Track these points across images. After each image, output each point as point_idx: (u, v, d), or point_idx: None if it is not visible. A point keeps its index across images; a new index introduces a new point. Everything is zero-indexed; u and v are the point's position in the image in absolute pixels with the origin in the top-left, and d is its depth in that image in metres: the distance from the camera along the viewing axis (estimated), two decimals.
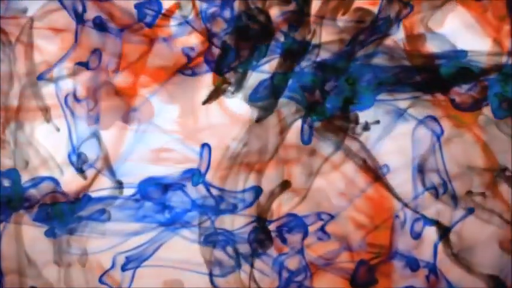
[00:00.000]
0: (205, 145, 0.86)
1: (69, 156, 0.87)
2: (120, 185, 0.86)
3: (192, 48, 0.86)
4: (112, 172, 0.87)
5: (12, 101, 0.87)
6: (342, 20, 0.85)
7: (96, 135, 0.87)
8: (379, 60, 0.85)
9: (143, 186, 0.87)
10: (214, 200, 0.86)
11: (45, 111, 0.87)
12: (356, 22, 0.84)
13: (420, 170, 0.85)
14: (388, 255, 0.86)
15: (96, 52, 0.86)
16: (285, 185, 0.86)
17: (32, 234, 0.88)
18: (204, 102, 0.86)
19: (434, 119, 0.85)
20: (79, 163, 0.87)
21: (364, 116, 0.85)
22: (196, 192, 0.86)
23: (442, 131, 0.85)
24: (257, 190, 0.86)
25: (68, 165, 0.87)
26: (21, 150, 0.87)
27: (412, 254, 0.86)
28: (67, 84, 0.87)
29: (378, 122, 0.85)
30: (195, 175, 0.86)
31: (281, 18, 0.85)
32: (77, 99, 0.87)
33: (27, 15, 0.87)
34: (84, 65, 0.87)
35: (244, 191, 0.86)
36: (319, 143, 0.86)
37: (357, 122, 0.85)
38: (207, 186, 0.86)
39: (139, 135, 0.87)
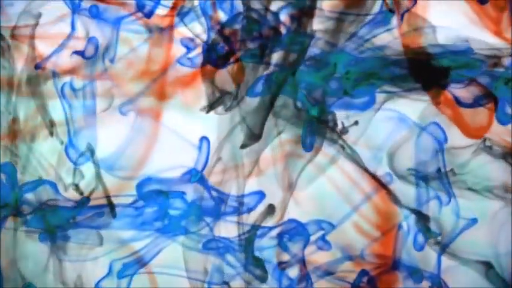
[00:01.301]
0: (203, 138, 0.86)
1: (66, 151, 0.87)
2: (112, 209, 0.86)
3: (191, 40, 0.85)
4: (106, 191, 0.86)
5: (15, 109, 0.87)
6: (342, 12, 0.84)
7: (90, 149, 0.86)
8: (378, 54, 0.84)
9: (143, 193, 0.86)
10: (214, 202, 0.85)
11: (50, 124, 0.87)
12: (358, 15, 0.84)
13: (423, 178, 0.84)
14: (390, 266, 0.85)
15: (93, 40, 0.86)
16: (270, 210, 0.85)
17: (28, 239, 0.87)
18: (208, 111, 0.86)
19: (438, 125, 0.84)
20: (75, 179, 0.86)
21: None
22: (195, 194, 0.85)
23: (446, 138, 0.84)
24: (260, 195, 0.85)
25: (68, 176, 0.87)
26: (32, 165, 0.87)
27: (416, 265, 0.84)
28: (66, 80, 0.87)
29: (356, 123, 0.84)
30: (193, 175, 0.85)
31: (285, 14, 0.85)
32: (73, 89, 0.86)
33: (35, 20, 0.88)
34: (80, 54, 0.86)
35: (246, 195, 0.85)
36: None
37: (335, 123, 0.84)
38: (207, 186, 0.85)
39: (137, 129, 0.86)
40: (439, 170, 0.84)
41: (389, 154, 0.84)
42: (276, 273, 0.85)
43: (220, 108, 0.85)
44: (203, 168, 0.85)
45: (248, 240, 0.85)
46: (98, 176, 0.86)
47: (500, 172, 0.84)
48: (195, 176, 0.85)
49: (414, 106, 0.84)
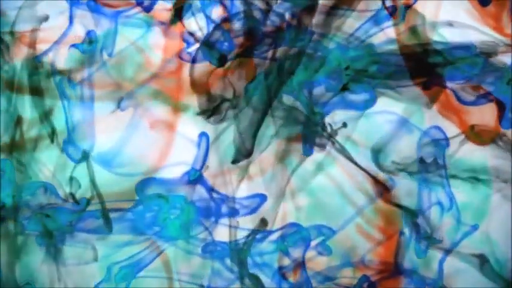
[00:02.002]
0: (203, 134, 0.85)
1: (65, 148, 0.86)
2: (108, 223, 0.85)
3: (191, 34, 0.85)
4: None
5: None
6: (332, 7, 0.84)
7: (86, 156, 0.85)
8: (377, 50, 0.84)
9: (141, 197, 0.85)
10: (214, 203, 0.84)
11: (51, 131, 0.86)
12: (359, 11, 0.84)
13: (425, 184, 0.84)
14: (392, 271, 0.84)
15: (91, 34, 0.86)
16: (263, 224, 0.85)
17: (26, 241, 0.87)
18: (209, 117, 0.85)
19: (439, 129, 0.84)
20: (72, 189, 0.86)
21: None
22: (194, 196, 0.85)
23: (448, 143, 0.84)
24: (261, 197, 0.85)
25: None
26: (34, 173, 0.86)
27: (417, 270, 0.84)
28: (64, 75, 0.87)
29: (344, 125, 0.84)
30: (191, 174, 0.85)
31: (286, 11, 0.84)
32: (71, 83, 0.86)
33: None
34: (78, 47, 0.86)
35: (247, 197, 0.85)
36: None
37: (323, 126, 0.83)
38: (206, 186, 0.84)
39: (135, 123, 0.85)
40: (421, 160, 0.83)
41: (375, 150, 0.84)
42: (275, 278, 0.85)
43: (212, 119, 0.85)
44: (202, 167, 0.85)
45: (241, 258, 0.85)
46: (94, 185, 0.86)
47: (491, 157, 0.83)
48: (194, 174, 0.85)
49: (410, 105, 0.84)
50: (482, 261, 0.83)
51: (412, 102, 0.83)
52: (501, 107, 0.83)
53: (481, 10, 0.83)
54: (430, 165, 0.83)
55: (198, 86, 0.85)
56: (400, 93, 0.83)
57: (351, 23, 0.84)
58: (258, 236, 0.85)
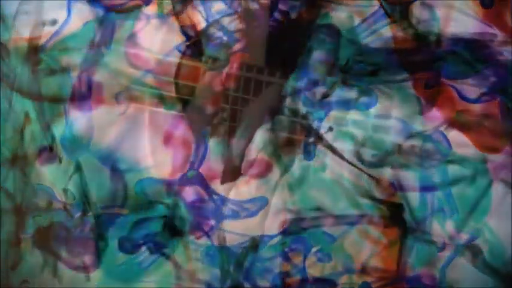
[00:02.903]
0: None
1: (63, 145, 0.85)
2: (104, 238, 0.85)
3: (191, 27, 0.85)
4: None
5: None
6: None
7: (79, 168, 0.85)
8: (376, 48, 0.84)
9: (139, 201, 0.85)
10: (214, 205, 0.84)
11: (51, 140, 0.86)
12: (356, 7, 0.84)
13: (427, 190, 0.83)
14: (393, 279, 0.84)
15: (88, 25, 0.85)
16: (254, 242, 0.84)
17: (25, 244, 0.87)
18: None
19: (441, 133, 0.84)
20: (67, 199, 0.86)
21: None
22: (193, 197, 0.85)
23: (450, 147, 0.84)
24: (262, 200, 0.84)
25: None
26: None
27: (420, 277, 0.84)
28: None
29: (331, 129, 0.83)
30: (189, 172, 0.84)
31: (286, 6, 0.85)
32: (70, 78, 0.85)
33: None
34: (76, 40, 0.85)
35: (247, 201, 0.84)
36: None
37: (310, 129, 0.83)
38: (206, 187, 0.84)
39: (134, 119, 0.85)
40: (420, 158, 0.83)
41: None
42: (275, 283, 0.84)
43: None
44: (200, 165, 0.84)
45: (241, 263, 0.84)
46: (88, 199, 0.85)
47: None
48: (192, 174, 0.84)
49: (409, 104, 0.84)
50: (476, 252, 0.83)
51: (411, 102, 0.83)
52: (504, 107, 0.83)
53: (483, 8, 0.84)
54: (428, 162, 0.83)
55: (187, 88, 0.85)
56: (398, 92, 0.83)
57: (347, 19, 0.84)
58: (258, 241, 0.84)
